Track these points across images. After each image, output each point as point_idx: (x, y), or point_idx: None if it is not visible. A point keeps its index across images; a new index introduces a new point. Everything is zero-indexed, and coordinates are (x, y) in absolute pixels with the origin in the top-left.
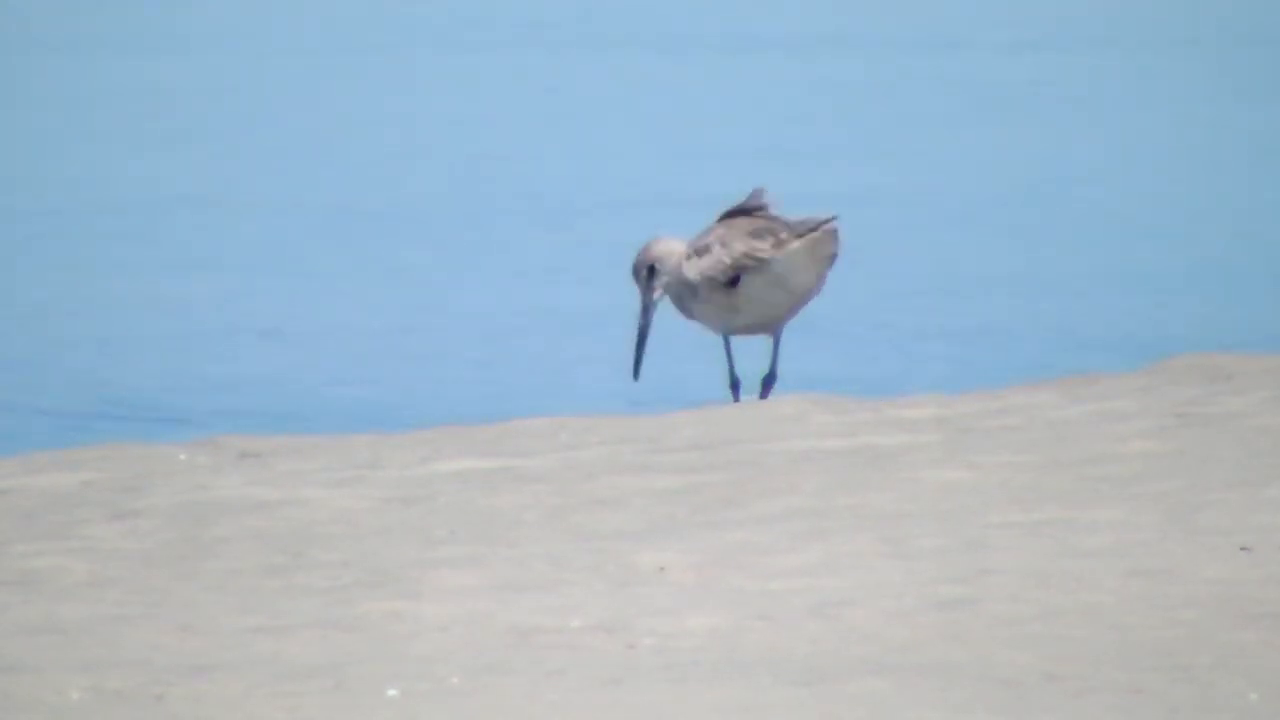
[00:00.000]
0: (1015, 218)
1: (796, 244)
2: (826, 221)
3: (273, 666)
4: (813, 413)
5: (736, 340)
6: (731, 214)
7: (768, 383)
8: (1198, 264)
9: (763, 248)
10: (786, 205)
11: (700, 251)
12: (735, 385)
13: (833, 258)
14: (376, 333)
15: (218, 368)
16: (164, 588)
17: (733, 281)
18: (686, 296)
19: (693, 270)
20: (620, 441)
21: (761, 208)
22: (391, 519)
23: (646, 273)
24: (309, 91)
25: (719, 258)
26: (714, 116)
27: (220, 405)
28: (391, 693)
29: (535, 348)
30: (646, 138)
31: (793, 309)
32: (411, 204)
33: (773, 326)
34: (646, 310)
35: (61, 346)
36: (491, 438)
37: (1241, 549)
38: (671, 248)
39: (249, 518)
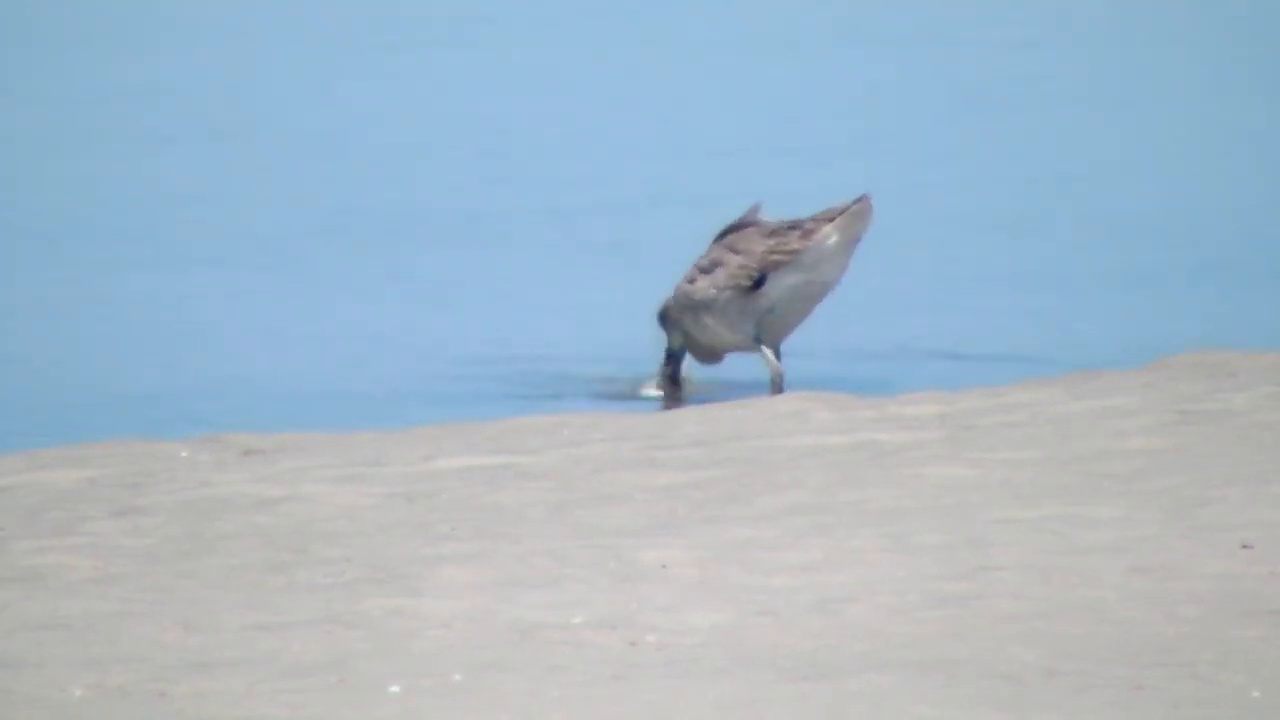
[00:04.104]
0: (1015, 216)
1: (828, 227)
2: (858, 200)
3: (275, 663)
4: (815, 410)
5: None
6: (727, 232)
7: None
8: (1199, 261)
9: (789, 241)
10: (786, 205)
11: (707, 269)
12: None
13: (857, 241)
14: (377, 331)
15: (219, 366)
16: (167, 584)
17: (757, 284)
18: (701, 317)
19: (703, 287)
20: (622, 438)
21: (755, 223)
22: (394, 515)
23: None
24: (309, 90)
25: (741, 263)
26: (714, 115)
27: (222, 403)
28: (394, 689)
29: (537, 345)
30: (647, 136)
31: (812, 307)
32: (412, 203)
33: (784, 334)
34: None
35: (64, 344)
36: (493, 434)
37: (1243, 545)
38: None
39: (252, 514)
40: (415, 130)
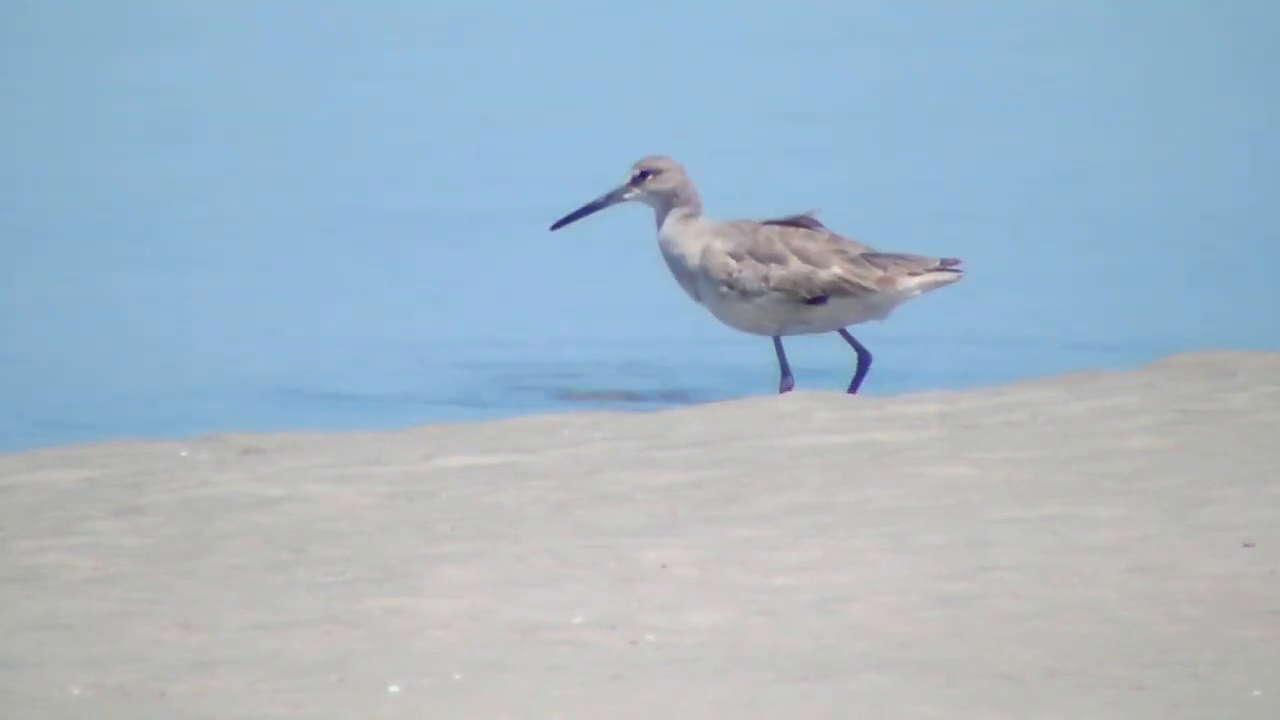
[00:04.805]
0: (1015, 216)
1: (913, 283)
2: (953, 263)
3: (275, 663)
4: (815, 409)
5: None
6: (787, 222)
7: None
8: (1199, 261)
9: (868, 277)
10: (784, 204)
11: (762, 258)
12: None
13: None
14: (377, 331)
15: (219, 366)
16: (167, 584)
17: (816, 300)
18: (733, 298)
19: (749, 273)
20: (622, 438)
21: (824, 229)
22: (394, 515)
23: (639, 174)
24: (309, 90)
25: (808, 276)
26: (714, 115)
27: (222, 403)
28: (393, 689)
29: (537, 344)
30: (647, 136)
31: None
32: (412, 203)
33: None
34: (611, 198)
35: (64, 344)
36: (494, 434)
37: (1244, 545)
38: (681, 175)
39: (251, 514)
40: (415, 130)
